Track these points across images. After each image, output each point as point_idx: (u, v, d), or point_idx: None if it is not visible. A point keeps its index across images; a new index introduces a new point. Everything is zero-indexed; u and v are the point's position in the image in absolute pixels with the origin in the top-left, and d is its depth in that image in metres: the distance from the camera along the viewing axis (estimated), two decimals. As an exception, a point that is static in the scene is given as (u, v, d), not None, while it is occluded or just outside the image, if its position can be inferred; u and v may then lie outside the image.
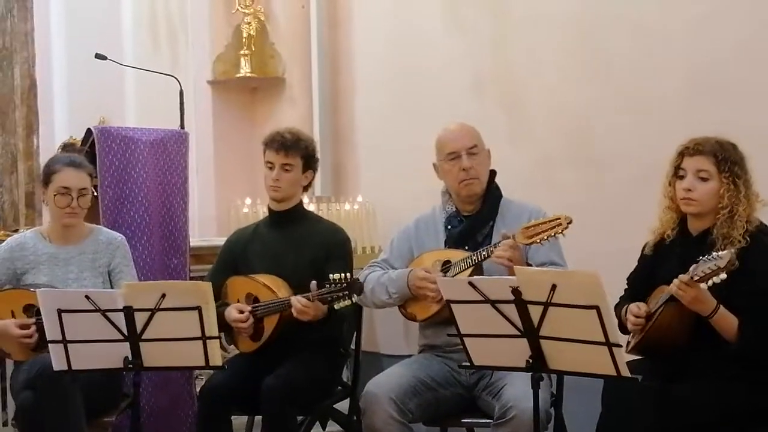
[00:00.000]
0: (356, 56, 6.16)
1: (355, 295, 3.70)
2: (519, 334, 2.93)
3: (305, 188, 4.25)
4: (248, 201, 5.78)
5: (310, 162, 4.14)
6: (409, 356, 4.00)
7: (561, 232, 3.43)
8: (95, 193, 4.05)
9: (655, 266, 3.46)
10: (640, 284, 3.50)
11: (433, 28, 5.59)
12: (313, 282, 3.77)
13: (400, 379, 3.64)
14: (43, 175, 4.04)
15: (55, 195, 3.97)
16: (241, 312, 3.95)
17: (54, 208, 4.01)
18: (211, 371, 3.90)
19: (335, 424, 4.37)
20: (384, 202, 5.70)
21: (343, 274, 3.71)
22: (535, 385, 3.00)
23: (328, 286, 3.72)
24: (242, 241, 4.27)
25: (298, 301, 3.78)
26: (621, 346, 2.83)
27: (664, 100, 4.47)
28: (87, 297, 3.20)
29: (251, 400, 3.85)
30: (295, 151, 4.08)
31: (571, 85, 4.87)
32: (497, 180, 3.92)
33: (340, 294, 3.69)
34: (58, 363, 3.28)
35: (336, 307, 3.73)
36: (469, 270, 3.61)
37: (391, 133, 5.82)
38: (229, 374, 3.84)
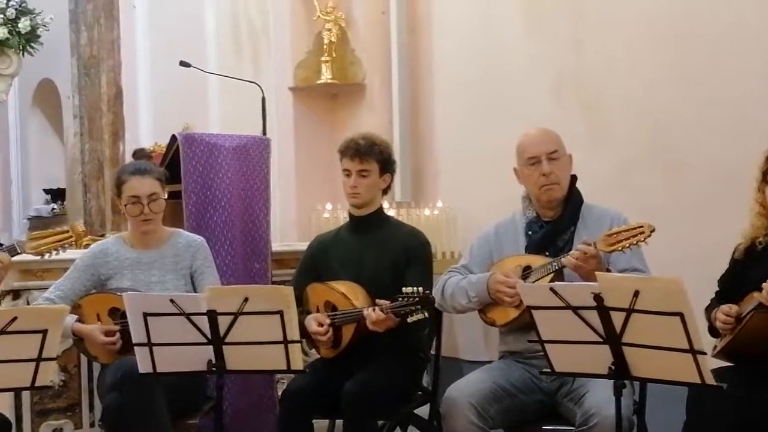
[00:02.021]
0: (436, 61, 6.16)
1: (427, 310, 3.70)
2: (601, 340, 2.90)
3: (384, 191, 4.25)
4: (329, 206, 5.81)
5: (386, 165, 4.15)
6: (490, 362, 3.98)
7: (643, 241, 3.39)
8: (165, 197, 4.08)
9: (746, 271, 3.41)
10: (730, 287, 3.46)
11: (513, 32, 5.57)
12: (383, 301, 3.79)
13: (481, 384, 3.63)
14: (114, 187, 4.12)
15: (126, 205, 4.03)
16: (321, 325, 3.98)
17: (129, 218, 4.08)
18: (293, 375, 3.92)
19: (415, 430, 4.36)
20: (464, 208, 5.69)
21: (415, 288, 3.71)
22: (618, 392, 2.97)
23: (401, 299, 3.72)
24: (324, 247, 4.29)
25: (371, 314, 3.80)
26: (705, 353, 2.79)
27: (744, 101, 4.41)
28: (172, 300, 3.24)
29: (332, 404, 3.87)
30: (370, 156, 4.08)
31: (651, 88, 4.82)
32: (577, 185, 3.89)
33: (413, 308, 3.70)
34: (143, 365, 3.32)
35: (409, 320, 3.72)
36: (550, 276, 3.59)
37: (471, 138, 5.81)
38: (310, 378, 3.86)
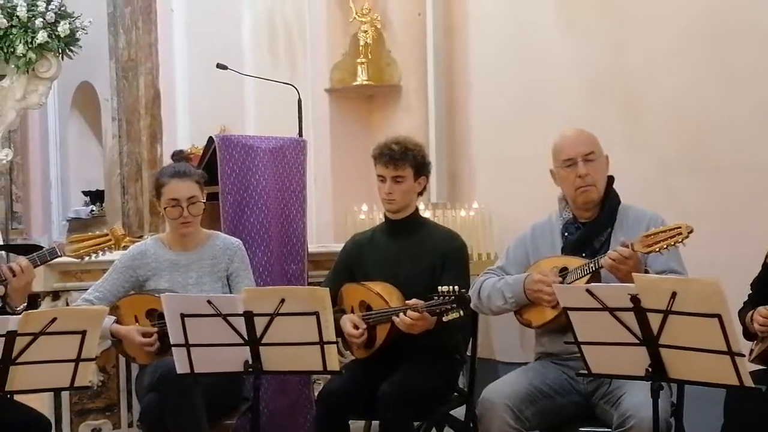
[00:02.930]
0: (472, 63, 6.15)
1: (462, 308, 3.70)
2: (638, 342, 2.89)
3: (420, 193, 4.25)
4: (365, 207, 5.82)
5: (421, 169, 4.14)
6: (525, 363, 3.97)
7: (681, 242, 3.37)
8: (204, 200, 4.10)
9: None
10: (762, 291, 3.42)
11: (550, 33, 5.55)
12: (414, 300, 3.79)
13: (517, 386, 3.62)
14: (154, 189, 4.14)
15: (166, 208, 4.06)
16: (356, 327, 3.98)
17: (168, 220, 4.11)
18: (329, 376, 3.93)
19: (451, 431, 4.36)
20: (500, 209, 5.68)
21: (451, 287, 3.71)
22: (655, 395, 2.96)
23: (436, 298, 3.72)
24: (359, 248, 4.30)
25: (404, 319, 3.80)
26: (744, 355, 2.77)
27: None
28: (209, 302, 3.26)
29: (368, 405, 3.88)
30: (404, 162, 4.07)
31: (690, 90, 4.78)
32: (615, 186, 3.87)
33: (449, 306, 3.70)
34: (181, 366, 3.34)
35: (444, 319, 3.73)
36: (587, 277, 3.57)
37: (507, 140, 5.80)
38: (346, 379, 3.87)
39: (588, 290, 2.94)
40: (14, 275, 3.57)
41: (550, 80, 5.54)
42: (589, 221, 3.81)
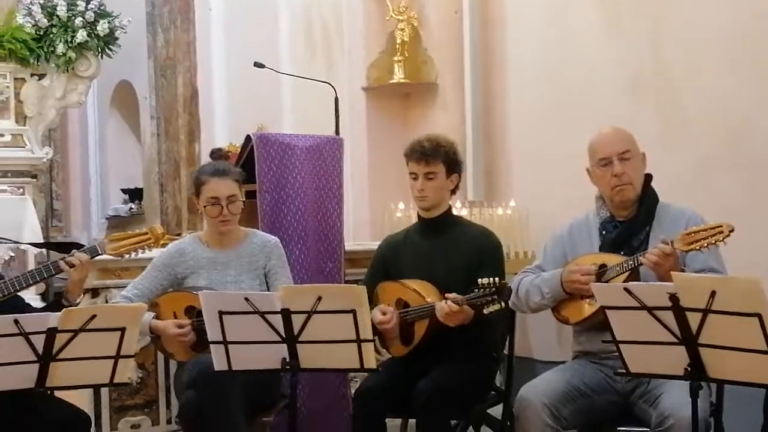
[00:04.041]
0: (509, 61, 6.13)
1: (503, 300, 3.69)
2: (677, 341, 2.87)
3: (453, 191, 4.24)
4: (401, 205, 5.82)
5: (453, 166, 4.13)
6: (563, 362, 3.96)
7: (722, 240, 3.34)
8: (243, 199, 4.11)
9: None
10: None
11: (588, 31, 5.52)
12: (454, 294, 3.79)
13: (554, 384, 3.61)
14: (193, 186, 4.16)
15: (205, 206, 4.08)
16: (384, 313, 3.98)
17: (207, 218, 4.13)
18: (366, 373, 3.94)
19: (489, 429, 4.36)
20: (537, 207, 5.66)
21: (491, 279, 3.70)
22: (694, 394, 2.94)
23: (476, 290, 3.72)
24: (393, 248, 4.30)
25: (443, 306, 3.80)
26: (784, 355, 2.74)
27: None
28: (246, 299, 3.27)
29: (405, 403, 3.88)
30: (436, 158, 4.07)
31: (729, 87, 4.74)
32: (654, 184, 3.84)
33: (489, 299, 3.69)
34: (218, 363, 3.35)
35: (485, 311, 3.72)
36: (625, 275, 3.55)
37: (545, 137, 5.78)
38: (383, 377, 3.88)
39: (626, 289, 2.93)
40: (74, 268, 3.61)
41: (587, 78, 5.51)
42: (627, 220, 3.79)
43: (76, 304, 3.61)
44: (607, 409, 3.67)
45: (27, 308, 3.72)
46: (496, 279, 3.71)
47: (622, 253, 3.68)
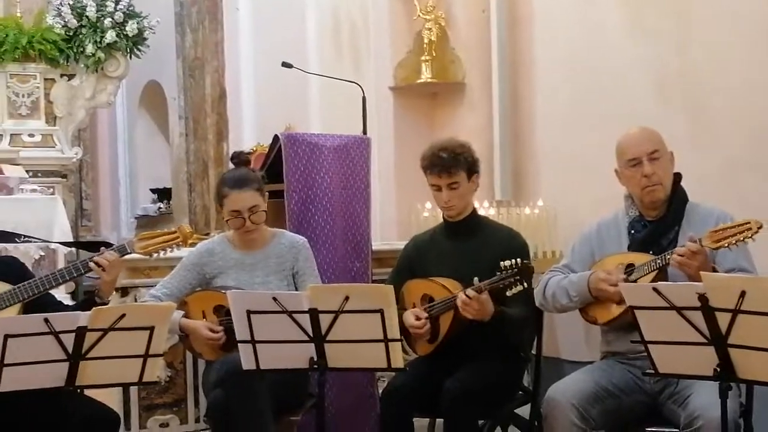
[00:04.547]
0: (537, 60, 6.12)
1: (526, 281, 3.68)
2: (706, 341, 2.85)
3: (475, 190, 4.23)
4: (428, 205, 5.81)
5: (473, 168, 4.11)
6: (591, 362, 3.94)
7: (750, 237, 3.32)
8: (265, 208, 4.11)
9: None
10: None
11: (615, 30, 5.50)
12: (476, 278, 3.78)
13: (582, 385, 3.60)
14: (216, 196, 4.16)
15: (227, 219, 4.09)
16: (418, 318, 3.98)
17: (231, 229, 4.14)
18: (393, 373, 3.94)
19: (516, 429, 4.35)
20: (565, 206, 5.64)
21: (513, 260, 3.69)
22: (724, 395, 2.92)
23: (498, 273, 3.71)
24: (419, 248, 4.30)
25: (461, 296, 3.79)
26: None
27: None
28: (274, 299, 3.28)
29: (432, 402, 3.88)
30: (456, 167, 4.05)
31: (757, 86, 4.70)
32: (681, 183, 3.82)
33: (512, 280, 3.68)
34: (247, 362, 3.36)
35: (508, 293, 3.71)
36: (653, 274, 3.53)
37: (573, 137, 5.76)
38: (410, 376, 3.88)
39: (655, 289, 2.91)
40: (104, 269, 3.63)
41: (614, 77, 5.49)
42: (656, 219, 3.77)
43: (107, 303, 3.63)
44: (635, 410, 3.65)
45: (59, 306, 3.75)
46: (518, 260, 3.70)
47: (651, 252, 3.66)
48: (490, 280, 3.73)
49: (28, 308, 3.52)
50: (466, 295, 3.77)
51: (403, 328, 3.94)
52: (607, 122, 5.25)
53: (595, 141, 5.26)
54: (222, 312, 3.96)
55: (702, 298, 2.79)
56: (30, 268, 4.13)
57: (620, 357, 3.74)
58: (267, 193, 4.18)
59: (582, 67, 5.73)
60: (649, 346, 3.01)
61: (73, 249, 6.86)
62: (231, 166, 4.71)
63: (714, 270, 3.44)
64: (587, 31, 5.69)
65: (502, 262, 3.71)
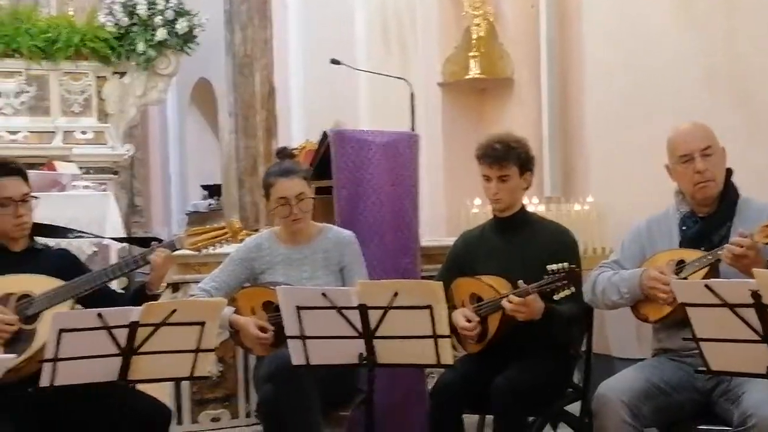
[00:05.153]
0: (586, 55, 6.08)
1: (574, 285, 3.66)
2: (759, 339, 2.82)
3: (526, 188, 4.21)
4: (477, 201, 5.80)
5: (526, 164, 4.10)
6: (642, 359, 3.91)
7: (804, 232, 3.28)
8: (312, 196, 4.13)
9: None
10: None
11: (664, 23, 5.45)
12: (521, 281, 3.77)
13: (633, 382, 3.57)
14: (263, 189, 4.19)
15: (275, 207, 4.11)
16: (469, 321, 3.98)
17: (278, 219, 4.16)
18: (442, 369, 3.94)
19: (566, 427, 4.33)
20: (615, 203, 5.60)
21: (561, 264, 3.68)
22: (777, 393, 2.88)
23: (546, 277, 3.69)
24: (468, 245, 4.29)
25: (506, 304, 3.78)
26: None
27: None
28: (324, 294, 3.29)
29: (481, 399, 3.87)
30: (508, 160, 4.04)
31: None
32: (732, 178, 3.78)
33: (560, 284, 3.67)
34: (296, 358, 3.38)
35: (555, 297, 3.70)
36: (704, 270, 3.50)
37: (622, 132, 5.72)
38: (459, 373, 3.87)
39: (707, 285, 2.89)
40: (155, 267, 3.67)
41: (664, 71, 5.44)
42: (708, 215, 3.73)
43: (159, 294, 3.68)
44: (686, 407, 3.62)
45: (112, 295, 3.80)
46: (565, 264, 3.68)
47: (702, 249, 3.63)
48: (537, 283, 3.72)
49: (81, 299, 3.57)
50: (513, 302, 3.76)
51: (452, 326, 3.94)
52: (656, 117, 5.21)
53: (644, 136, 5.22)
54: (271, 308, 3.98)
55: (755, 295, 2.76)
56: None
57: (672, 354, 3.70)
58: (313, 187, 4.20)
59: (631, 61, 5.68)
60: (701, 343, 2.98)
61: (125, 245, 6.93)
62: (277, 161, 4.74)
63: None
64: (636, 25, 5.64)
65: (549, 266, 3.70)
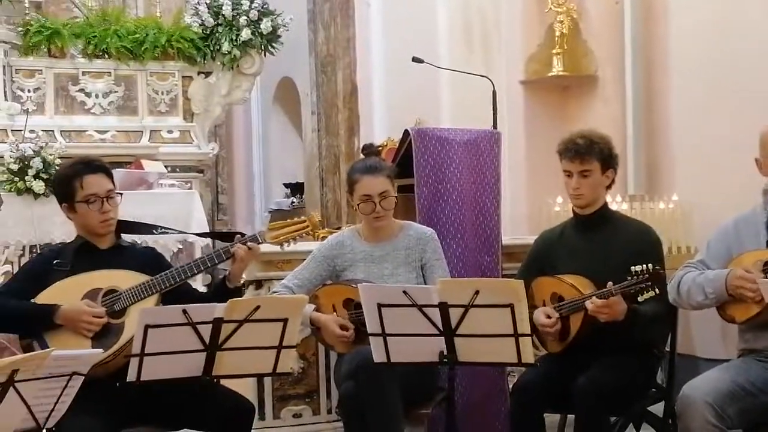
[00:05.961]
0: (672, 51, 5.99)
1: (658, 287, 3.61)
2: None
3: (608, 187, 4.16)
4: (559, 200, 5.77)
5: (608, 161, 4.06)
6: (727, 360, 3.85)
7: None
8: (395, 194, 4.14)
9: None
10: None
11: (753, 18, 5.35)
12: (610, 282, 3.73)
13: (718, 383, 3.51)
14: (347, 185, 4.21)
15: (359, 204, 4.13)
16: (549, 317, 3.96)
17: (362, 215, 4.19)
18: (524, 368, 3.92)
19: (649, 427, 4.28)
20: (701, 201, 5.51)
21: (645, 266, 3.63)
22: None
23: (629, 278, 3.65)
24: (548, 243, 4.26)
25: (588, 305, 3.75)
26: None
27: None
28: (404, 292, 3.30)
29: (563, 398, 3.85)
30: (590, 155, 4.01)
31: None
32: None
33: (643, 285, 3.62)
34: (378, 355, 3.40)
35: (639, 299, 3.66)
36: (793, 271, 3.44)
37: (709, 129, 5.62)
38: (541, 372, 3.85)
39: (795, 286, 2.83)
40: (240, 260, 3.71)
41: (752, 65, 5.33)
42: (796, 214, 3.66)
43: (240, 286, 3.73)
44: (774, 410, 3.56)
45: (193, 293, 3.85)
46: (650, 265, 3.63)
47: (790, 248, 3.56)
48: (621, 284, 3.68)
49: (164, 297, 3.64)
50: (596, 305, 3.73)
51: (533, 326, 3.92)
52: (745, 112, 5.12)
53: (732, 132, 5.13)
54: (351, 305, 4.01)
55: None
56: (168, 260, 4.24)
57: (759, 355, 3.64)
58: (396, 185, 4.21)
59: (718, 56, 5.58)
60: (788, 344, 2.93)
61: (209, 242, 7.03)
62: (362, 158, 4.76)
63: None
64: (724, 20, 5.54)
65: (632, 267, 3.65)
